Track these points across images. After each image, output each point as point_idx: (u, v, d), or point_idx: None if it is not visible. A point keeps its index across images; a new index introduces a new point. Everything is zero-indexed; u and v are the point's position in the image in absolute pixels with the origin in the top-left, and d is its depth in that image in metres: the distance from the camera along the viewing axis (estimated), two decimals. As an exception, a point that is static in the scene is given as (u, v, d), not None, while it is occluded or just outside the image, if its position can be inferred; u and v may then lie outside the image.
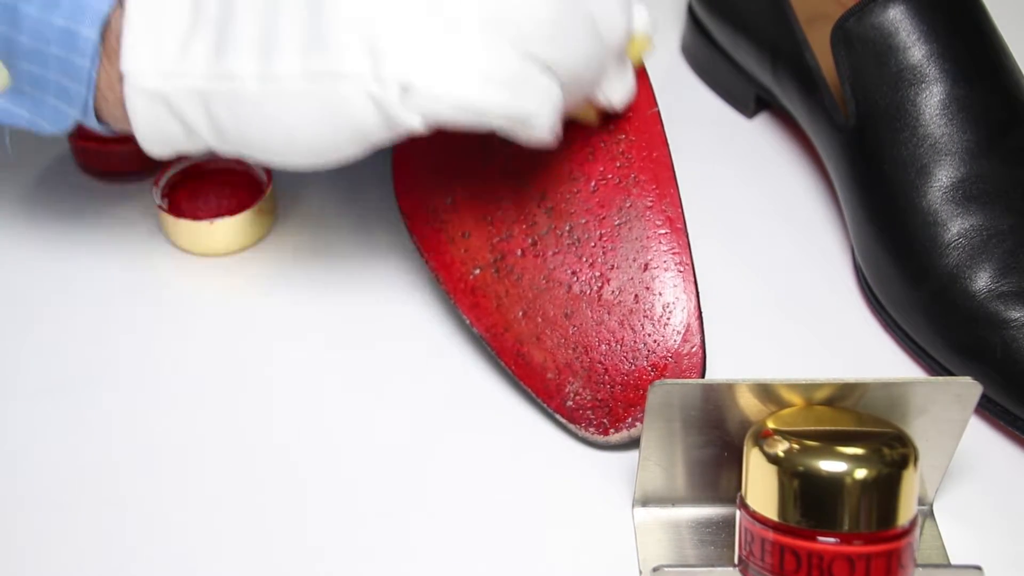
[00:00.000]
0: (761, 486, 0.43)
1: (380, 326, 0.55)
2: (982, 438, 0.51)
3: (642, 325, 0.51)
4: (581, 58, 0.46)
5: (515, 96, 0.44)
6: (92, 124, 0.46)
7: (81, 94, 0.45)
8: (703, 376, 0.50)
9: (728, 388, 0.44)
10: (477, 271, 0.52)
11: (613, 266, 0.51)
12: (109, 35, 0.44)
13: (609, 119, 0.53)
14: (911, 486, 0.43)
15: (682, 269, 0.51)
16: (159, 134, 0.46)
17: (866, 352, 0.55)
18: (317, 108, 0.44)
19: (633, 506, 0.49)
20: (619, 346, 0.51)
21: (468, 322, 0.52)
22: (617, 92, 0.51)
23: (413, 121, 0.44)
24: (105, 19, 0.44)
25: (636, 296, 0.51)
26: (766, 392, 0.45)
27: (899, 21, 0.54)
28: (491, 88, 0.44)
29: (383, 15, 0.43)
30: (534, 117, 0.45)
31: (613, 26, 0.48)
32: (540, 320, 0.51)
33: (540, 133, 0.46)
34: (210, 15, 0.44)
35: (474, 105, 0.44)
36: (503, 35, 0.43)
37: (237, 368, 0.53)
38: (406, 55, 0.43)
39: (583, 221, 0.52)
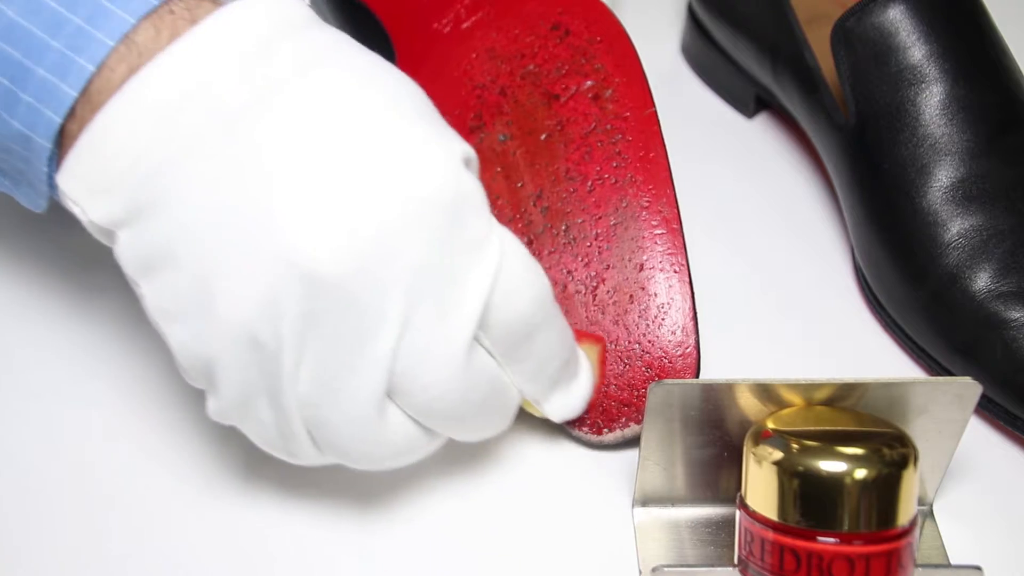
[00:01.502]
0: (761, 486, 0.43)
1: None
2: (982, 438, 0.51)
3: (637, 325, 0.51)
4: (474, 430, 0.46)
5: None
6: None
7: (44, 192, 0.44)
8: (697, 376, 0.50)
9: (728, 388, 0.44)
10: (473, 270, 0.53)
11: (608, 266, 0.51)
12: (66, 142, 0.42)
13: (606, 119, 0.53)
14: (911, 486, 0.43)
15: (677, 270, 0.51)
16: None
17: (866, 352, 0.55)
18: None
19: (633, 506, 0.49)
20: (613, 346, 0.51)
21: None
22: (554, 414, 0.48)
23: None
24: (58, 130, 0.42)
25: (631, 296, 0.51)
26: (766, 392, 0.45)
27: (899, 21, 0.54)
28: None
29: None
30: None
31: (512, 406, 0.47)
32: (536, 319, 0.51)
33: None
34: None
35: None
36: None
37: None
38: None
39: (579, 221, 0.52)
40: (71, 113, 0.41)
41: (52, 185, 0.43)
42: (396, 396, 0.43)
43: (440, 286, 0.42)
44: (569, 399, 0.49)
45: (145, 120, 0.41)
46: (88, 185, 0.42)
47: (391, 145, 0.42)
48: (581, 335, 0.50)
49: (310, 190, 0.41)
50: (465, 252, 0.42)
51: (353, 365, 0.42)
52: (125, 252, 0.43)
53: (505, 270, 0.43)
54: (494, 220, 0.44)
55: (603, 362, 0.50)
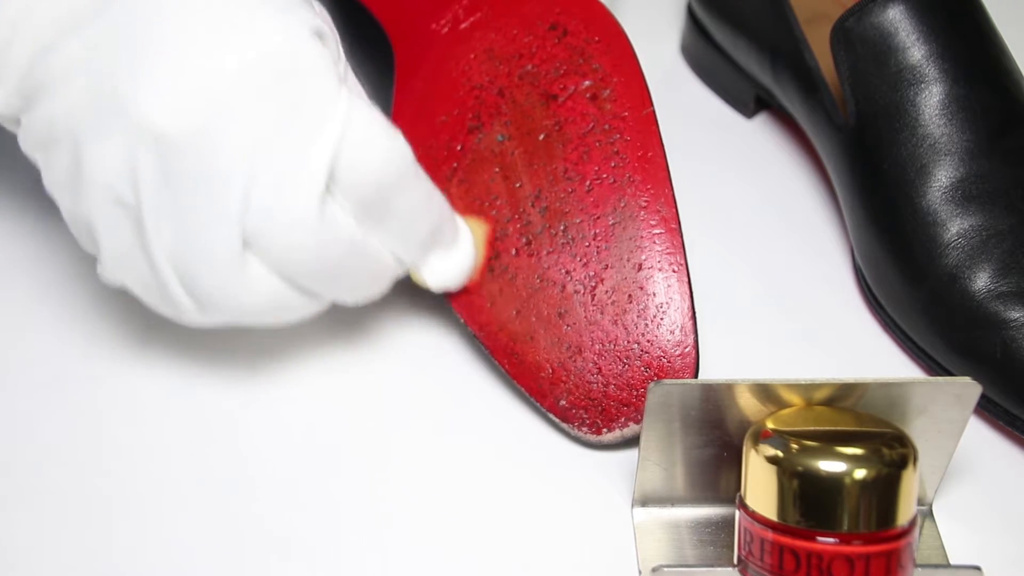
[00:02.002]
0: (760, 486, 0.43)
1: (374, 325, 0.55)
2: (982, 438, 0.51)
3: (635, 325, 0.51)
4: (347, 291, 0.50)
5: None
6: None
7: None
8: (696, 376, 0.50)
9: (728, 388, 0.44)
10: (471, 270, 0.53)
11: (607, 266, 0.51)
12: None
13: (604, 119, 0.53)
14: (910, 486, 0.43)
15: (676, 269, 0.51)
16: None
17: (866, 352, 0.55)
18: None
19: (632, 506, 0.49)
20: (612, 346, 0.51)
21: (462, 320, 0.52)
22: (434, 280, 0.52)
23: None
24: None
25: (630, 296, 0.51)
26: (765, 392, 0.45)
27: (899, 21, 0.54)
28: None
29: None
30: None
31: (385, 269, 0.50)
32: (534, 319, 0.51)
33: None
34: None
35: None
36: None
37: (234, 367, 0.53)
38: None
39: (577, 220, 0.52)
40: None
41: None
42: (255, 251, 0.46)
43: (282, 148, 0.45)
44: (447, 266, 0.51)
45: (13, 7, 0.45)
46: None
47: (238, 14, 0.45)
48: (469, 211, 0.52)
49: (159, 57, 0.45)
50: (307, 116, 0.45)
51: (206, 222, 0.45)
52: (23, 137, 0.48)
53: (352, 134, 0.46)
54: (344, 88, 0.46)
55: (491, 243, 0.52)
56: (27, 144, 0.48)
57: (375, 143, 0.47)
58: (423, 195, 0.49)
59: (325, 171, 0.45)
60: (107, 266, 0.48)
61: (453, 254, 0.52)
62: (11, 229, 0.59)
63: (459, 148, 0.54)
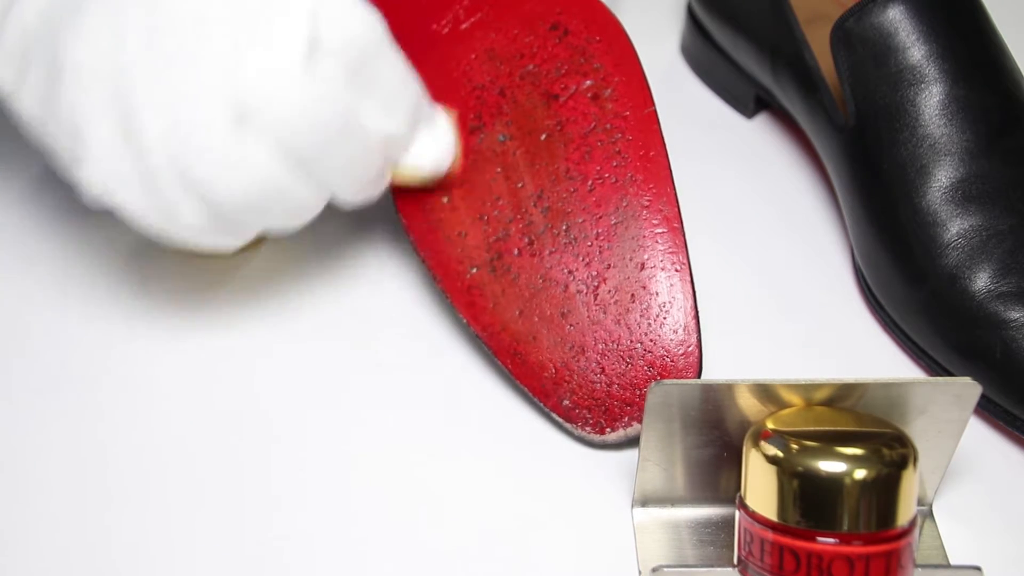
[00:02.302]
0: (760, 486, 0.43)
1: (377, 325, 0.55)
2: (982, 438, 0.51)
3: (638, 324, 0.51)
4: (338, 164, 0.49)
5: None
6: None
7: None
8: (699, 375, 0.50)
9: (727, 388, 0.44)
10: (474, 270, 0.52)
11: (609, 265, 0.51)
12: None
13: (605, 119, 0.53)
14: (910, 486, 0.43)
15: (679, 268, 0.51)
16: None
17: (866, 352, 0.55)
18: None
19: (632, 506, 0.49)
20: (615, 345, 0.51)
21: (465, 321, 0.52)
22: (424, 159, 0.52)
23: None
24: None
25: (632, 295, 0.51)
26: (766, 392, 0.45)
27: (899, 21, 0.54)
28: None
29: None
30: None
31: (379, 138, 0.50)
32: (537, 319, 0.51)
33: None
34: None
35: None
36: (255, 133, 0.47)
37: (234, 368, 0.53)
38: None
39: (580, 220, 0.52)
40: None
41: None
42: (248, 125, 0.46)
43: (260, 14, 0.46)
44: (433, 143, 0.52)
45: None
46: None
47: None
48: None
49: None
50: None
51: (194, 90, 0.45)
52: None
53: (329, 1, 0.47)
54: None
55: (463, 129, 0.53)
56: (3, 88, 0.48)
57: (353, 8, 0.47)
58: (401, 68, 0.50)
59: (305, 31, 0.46)
60: (93, 171, 0.47)
61: (436, 131, 0.52)
62: (9, 228, 0.59)
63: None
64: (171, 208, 0.47)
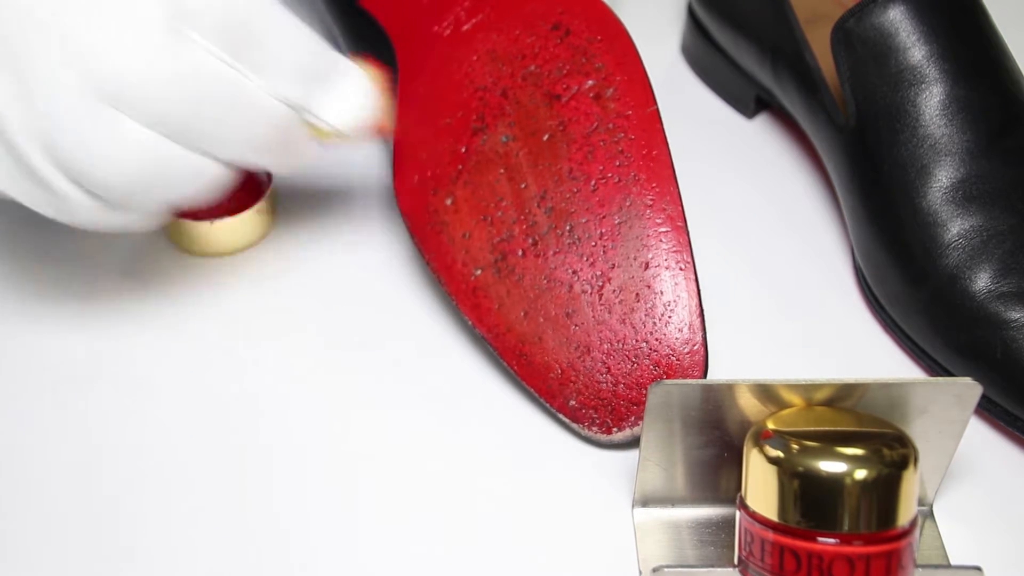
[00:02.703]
0: (761, 487, 0.43)
1: (381, 327, 0.55)
2: (982, 438, 0.51)
3: (643, 323, 0.51)
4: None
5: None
6: None
7: None
8: (705, 374, 0.50)
9: (728, 388, 0.44)
10: (478, 272, 0.52)
11: (614, 265, 0.51)
12: None
13: (608, 118, 0.53)
14: (911, 487, 0.43)
15: (683, 267, 0.51)
16: None
17: (866, 352, 0.55)
18: None
19: (633, 506, 0.49)
20: (621, 345, 0.51)
21: (470, 323, 0.52)
22: (338, 118, 0.50)
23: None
24: None
25: (637, 295, 0.51)
26: (766, 392, 0.45)
27: (899, 21, 0.54)
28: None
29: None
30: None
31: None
32: (542, 320, 0.51)
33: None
34: None
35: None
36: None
37: (236, 368, 0.53)
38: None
39: (583, 220, 0.52)
40: None
41: None
42: (120, 104, 0.44)
43: None
44: (346, 100, 0.49)
45: None
46: None
47: None
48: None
49: None
50: None
51: (52, 78, 0.44)
52: None
53: None
54: None
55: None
56: None
57: None
58: (284, 22, 0.47)
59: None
60: None
61: (343, 88, 0.49)
62: (9, 228, 0.59)
63: (463, 150, 0.54)
64: (57, 193, 0.46)
